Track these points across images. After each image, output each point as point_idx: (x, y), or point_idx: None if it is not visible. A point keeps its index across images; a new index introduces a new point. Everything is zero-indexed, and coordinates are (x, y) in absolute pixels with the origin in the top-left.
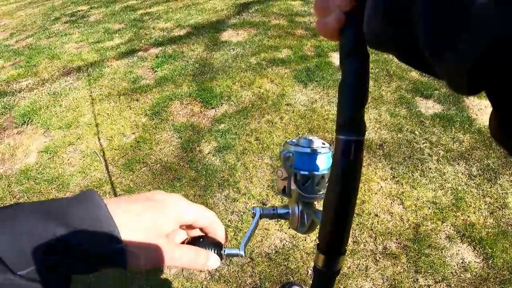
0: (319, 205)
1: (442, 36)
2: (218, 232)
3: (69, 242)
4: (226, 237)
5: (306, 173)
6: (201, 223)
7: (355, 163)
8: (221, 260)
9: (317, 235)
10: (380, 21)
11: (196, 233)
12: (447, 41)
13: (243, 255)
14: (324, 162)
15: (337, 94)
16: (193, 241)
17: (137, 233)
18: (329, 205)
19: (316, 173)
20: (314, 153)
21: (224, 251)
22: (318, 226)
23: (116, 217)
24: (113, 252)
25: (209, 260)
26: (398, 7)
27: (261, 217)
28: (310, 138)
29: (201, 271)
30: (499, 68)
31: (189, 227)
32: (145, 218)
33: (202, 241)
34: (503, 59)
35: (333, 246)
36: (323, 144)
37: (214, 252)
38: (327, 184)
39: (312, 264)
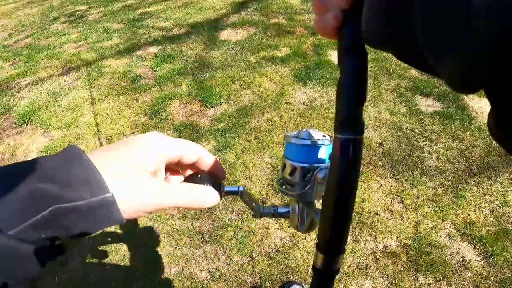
0: (319, 204)
1: (441, 36)
2: (212, 166)
3: (55, 197)
4: (224, 173)
5: (306, 165)
6: (189, 157)
7: (354, 161)
8: (221, 198)
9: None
10: (379, 20)
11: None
12: (446, 41)
13: (243, 189)
14: (325, 155)
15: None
16: (189, 179)
17: (118, 177)
18: (328, 204)
19: (317, 165)
20: (315, 145)
21: (224, 188)
22: (318, 225)
23: (95, 163)
24: (102, 202)
25: (206, 195)
26: (397, 6)
27: (261, 216)
28: (310, 130)
29: (200, 209)
30: (498, 67)
31: (178, 166)
32: (123, 159)
33: (199, 177)
34: (502, 58)
35: (332, 245)
36: (324, 136)
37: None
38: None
39: (312, 262)
